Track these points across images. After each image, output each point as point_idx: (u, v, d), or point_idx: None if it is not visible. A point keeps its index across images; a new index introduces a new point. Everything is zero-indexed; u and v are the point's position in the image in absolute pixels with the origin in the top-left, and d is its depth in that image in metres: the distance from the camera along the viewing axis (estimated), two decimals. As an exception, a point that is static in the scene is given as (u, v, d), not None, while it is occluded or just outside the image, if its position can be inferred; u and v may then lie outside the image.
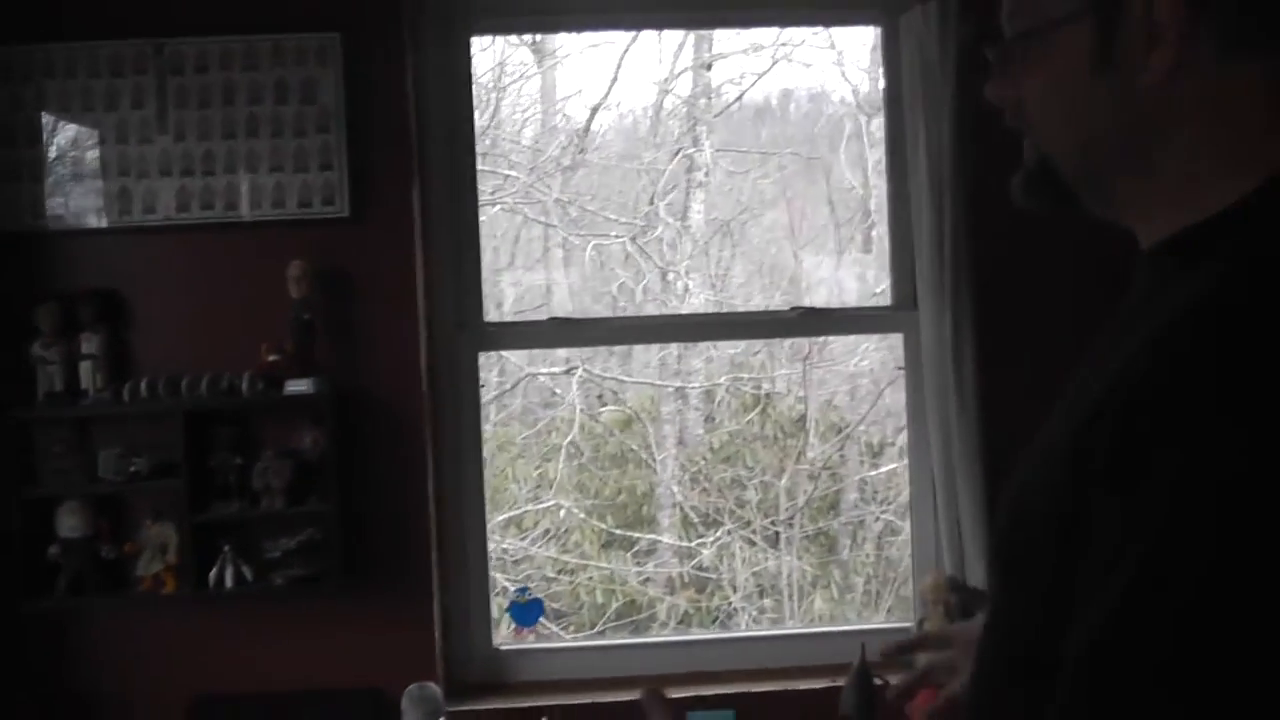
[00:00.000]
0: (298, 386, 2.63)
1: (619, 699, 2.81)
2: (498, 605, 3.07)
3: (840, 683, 2.70)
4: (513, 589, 3.10)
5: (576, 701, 2.82)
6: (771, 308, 4.97)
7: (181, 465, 2.63)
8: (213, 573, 2.67)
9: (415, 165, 2.75)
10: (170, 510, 2.68)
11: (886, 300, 3.02)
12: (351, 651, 2.79)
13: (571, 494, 5.23)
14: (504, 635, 3.10)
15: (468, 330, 2.85)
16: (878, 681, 2.64)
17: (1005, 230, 2.72)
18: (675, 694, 2.79)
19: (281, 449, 2.69)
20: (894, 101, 2.82)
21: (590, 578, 5.13)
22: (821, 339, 4.79)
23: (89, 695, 2.77)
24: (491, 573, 2.99)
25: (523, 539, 5.10)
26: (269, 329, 2.67)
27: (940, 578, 2.80)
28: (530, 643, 3.07)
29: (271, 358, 2.65)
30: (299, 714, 2.76)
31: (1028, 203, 1.15)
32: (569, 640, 3.66)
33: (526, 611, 2.99)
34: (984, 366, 2.72)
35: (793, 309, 2.96)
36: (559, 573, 5.11)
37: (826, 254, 5.32)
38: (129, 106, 2.69)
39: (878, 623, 3.41)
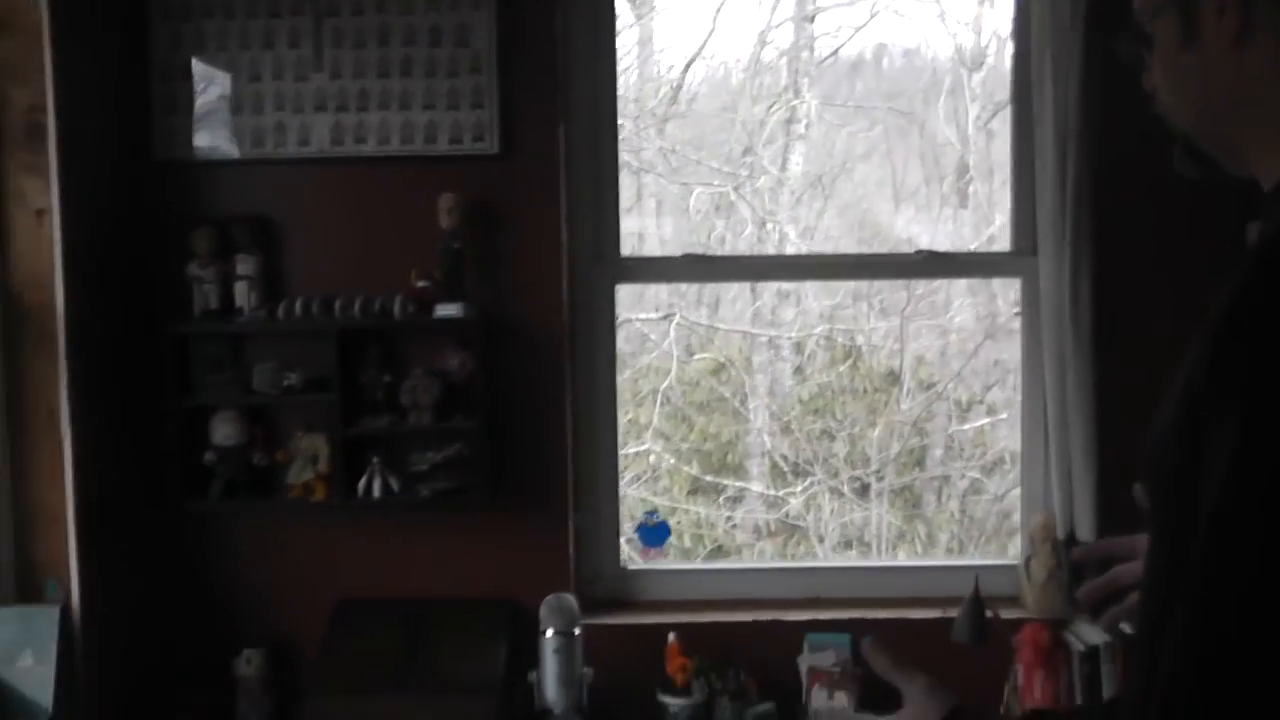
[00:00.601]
0: (447, 311, 2.85)
1: (739, 619, 3.05)
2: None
3: (952, 613, 2.92)
4: (642, 512, 3.32)
5: (700, 620, 3.04)
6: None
7: (333, 381, 2.84)
8: (361, 483, 2.89)
9: (561, 105, 2.95)
10: (321, 423, 2.89)
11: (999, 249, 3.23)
12: (489, 563, 3.02)
13: (662, 440, 5.44)
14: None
15: (605, 263, 3.07)
16: (989, 614, 2.86)
17: (1126, 181, 2.95)
18: (794, 617, 3.05)
19: (429, 368, 2.90)
20: (1022, 55, 3.01)
21: (678, 522, 5.35)
22: (920, 291, 4.99)
23: (239, 595, 3.01)
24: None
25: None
26: (418, 257, 2.88)
27: (1049, 519, 3.01)
28: (655, 563, 3.29)
29: (421, 283, 2.87)
30: (438, 621, 2.97)
31: (1187, 173, 1.39)
32: (693, 563, 3.88)
33: (654, 534, 3.23)
34: (1100, 310, 2.92)
35: (917, 251, 3.17)
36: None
37: (919, 208, 5.49)
38: (285, 46, 2.91)
39: (980, 557, 3.61)
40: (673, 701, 2.91)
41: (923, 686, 1.48)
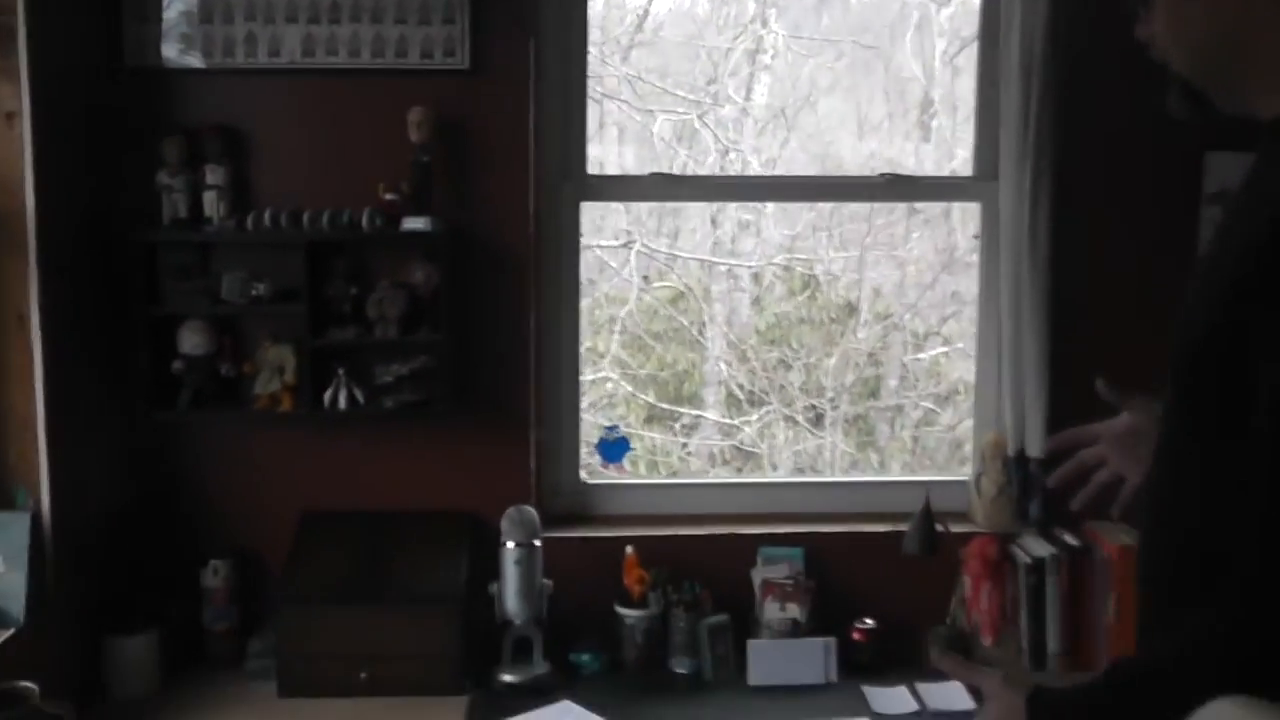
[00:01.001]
0: (414, 224, 2.89)
1: (696, 533, 3.16)
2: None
3: (903, 528, 3.05)
4: (603, 427, 3.41)
5: (657, 534, 3.14)
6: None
7: (302, 291, 2.89)
8: (327, 394, 2.94)
9: (532, 22, 3.00)
10: (288, 333, 2.94)
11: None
12: (452, 476, 3.09)
13: (619, 367, 5.52)
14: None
15: (572, 181, 3.14)
16: (939, 528, 2.99)
17: (1087, 112, 3.07)
18: (749, 531, 3.16)
19: (396, 281, 2.96)
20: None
21: (635, 449, 5.45)
22: (879, 223, 5.09)
23: (206, 506, 3.07)
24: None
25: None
26: (387, 170, 2.93)
27: (1000, 437, 3.14)
28: (613, 479, 3.37)
29: (389, 196, 2.91)
30: (401, 532, 3.04)
31: (1180, 114, 1.55)
32: (650, 478, 3.99)
33: (614, 448, 3.31)
34: (1057, 234, 3.04)
35: (881, 174, 3.27)
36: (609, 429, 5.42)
37: (882, 141, 5.57)
38: (258, -44, 2.94)
39: (930, 474, 3.74)
40: (630, 613, 3.01)
41: (999, 680, 1.63)
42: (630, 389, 5.56)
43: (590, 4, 3.10)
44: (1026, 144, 2.97)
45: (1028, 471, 3.09)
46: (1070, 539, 3.08)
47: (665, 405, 5.59)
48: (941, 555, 3.03)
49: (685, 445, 5.54)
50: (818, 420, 5.44)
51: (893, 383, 5.58)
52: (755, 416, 5.42)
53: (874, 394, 5.56)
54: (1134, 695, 1.46)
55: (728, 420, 5.48)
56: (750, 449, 5.37)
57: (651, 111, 5.30)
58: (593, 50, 4.86)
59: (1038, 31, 2.93)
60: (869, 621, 3.06)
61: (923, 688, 2.92)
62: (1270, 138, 1.45)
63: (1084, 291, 3.13)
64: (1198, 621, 1.39)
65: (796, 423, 5.39)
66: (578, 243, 3.19)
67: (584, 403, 4.65)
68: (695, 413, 5.56)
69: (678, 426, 5.48)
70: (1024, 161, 2.98)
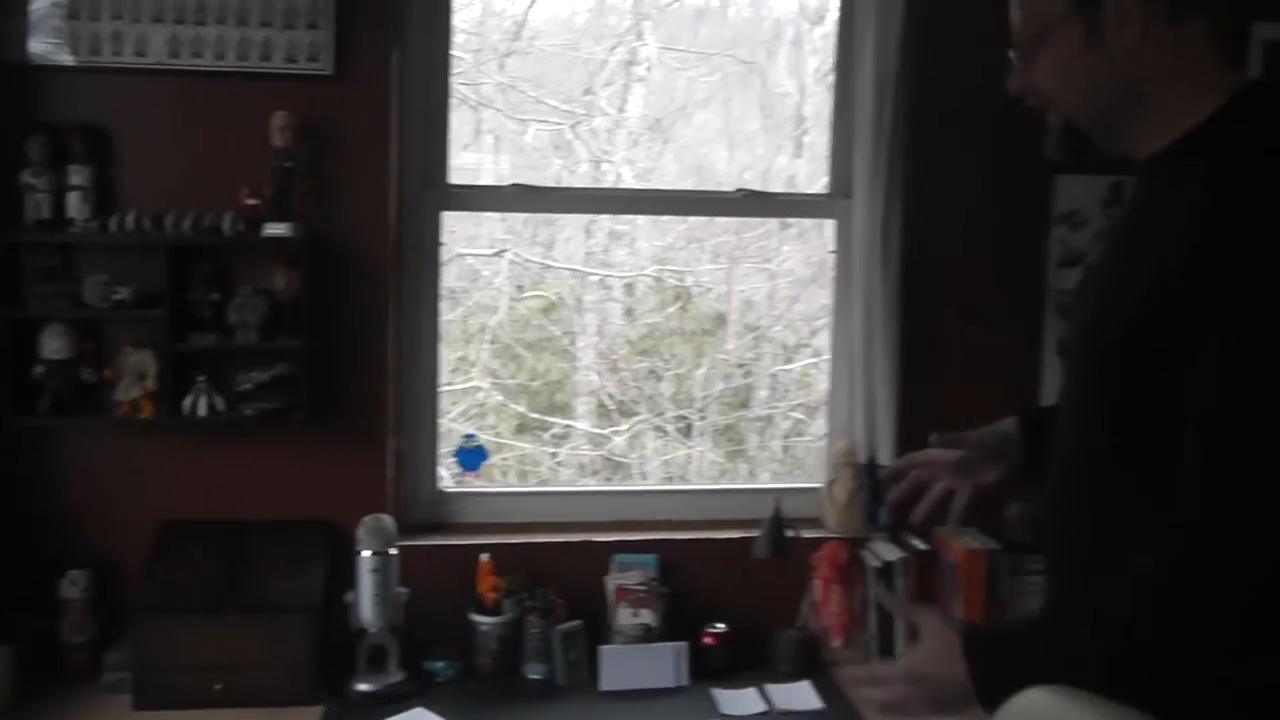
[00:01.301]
0: (276, 229, 2.93)
1: (552, 540, 3.23)
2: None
3: (755, 534, 3.15)
4: (462, 435, 3.45)
5: (513, 541, 3.20)
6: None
7: (163, 297, 2.89)
8: (187, 401, 2.96)
9: (395, 30, 3.03)
10: (149, 339, 2.94)
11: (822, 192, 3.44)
12: (311, 484, 3.12)
13: (490, 377, 5.56)
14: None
15: (434, 190, 3.18)
16: (789, 533, 3.10)
17: (939, 131, 3.21)
18: (604, 538, 3.23)
19: (257, 287, 2.98)
20: (848, 3, 3.24)
21: (505, 459, 5.49)
22: (746, 236, 5.19)
23: (65, 515, 3.06)
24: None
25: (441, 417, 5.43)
26: (250, 175, 2.95)
27: (851, 444, 3.26)
28: (472, 486, 3.41)
29: (251, 201, 2.94)
30: (260, 541, 3.06)
31: (1059, 156, 1.75)
32: (509, 486, 4.04)
33: (472, 457, 3.37)
34: (908, 249, 3.18)
35: (738, 190, 3.36)
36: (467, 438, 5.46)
37: (756, 156, 5.67)
38: (124, -45, 2.94)
39: (789, 482, 3.86)
40: (484, 620, 3.06)
41: (937, 618, 1.73)
42: (501, 398, 5.60)
43: (466, 10, 3.16)
44: (879, 163, 3.09)
45: (877, 478, 3.20)
46: (918, 543, 3.20)
47: (536, 415, 5.64)
48: (793, 560, 3.13)
49: (555, 455, 5.60)
50: (688, 430, 5.53)
51: (763, 393, 5.68)
52: (625, 427, 5.49)
53: (745, 404, 5.66)
54: (1069, 634, 1.56)
55: (598, 430, 5.54)
56: (620, 459, 5.44)
57: (525, 121, 5.36)
58: (468, 57, 4.92)
59: (890, 55, 3.06)
60: (720, 626, 3.15)
61: (772, 689, 3.01)
62: (1150, 171, 1.66)
63: (936, 306, 3.27)
64: (1136, 567, 1.51)
65: (666, 433, 5.47)
66: (438, 251, 3.23)
67: (454, 412, 4.69)
68: (566, 423, 5.61)
69: (547, 436, 5.53)
70: (876, 180, 3.10)
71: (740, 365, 5.63)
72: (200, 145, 3.02)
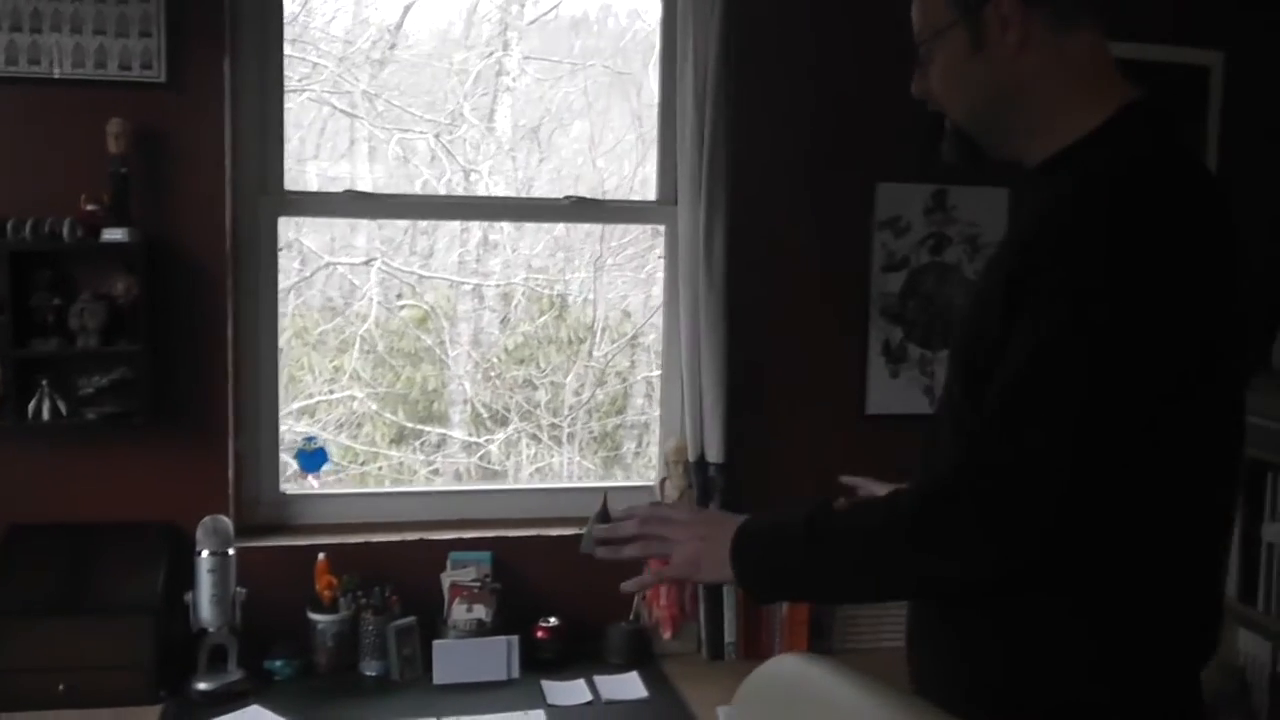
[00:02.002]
0: (114, 235, 3.02)
1: (389, 539, 3.35)
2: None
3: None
4: (301, 437, 3.57)
5: (351, 541, 3.32)
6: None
7: (4, 302, 2.96)
8: (31, 405, 3.04)
9: (227, 38, 3.16)
10: (-11, 346, 3.01)
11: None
12: (154, 487, 3.21)
13: (365, 387, 5.66)
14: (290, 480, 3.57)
15: (270, 195, 3.30)
16: (618, 527, 3.25)
17: (757, 138, 3.37)
18: (439, 537, 3.37)
19: (97, 292, 3.07)
20: (670, 17, 3.41)
21: (380, 468, 5.59)
22: (615, 246, 5.35)
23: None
24: (281, 424, 3.46)
25: (312, 433, 5.51)
26: (89, 181, 3.04)
27: (681, 443, 3.42)
28: (313, 489, 3.53)
29: (90, 207, 3.03)
30: (103, 544, 3.14)
31: (951, 160, 1.84)
32: (348, 488, 4.16)
33: (312, 459, 3.49)
34: (732, 255, 3.33)
35: (566, 197, 3.52)
36: (350, 462, 5.55)
37: (629, 165, 5.82)
38: (-44, -36, 3.02)
39: (620, 480, 4.02)
40: (320, 618, 3.18)
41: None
42: (376, 408, 5.70)
43: (335, 22, 3.26)
44: (701, 171, 3.25)
45: (707, 475, 3.37)
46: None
47: (413, 425, 5.74)
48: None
49: (431, 464, 5.70)
50: (565, 438, 5.66)
51: (639, 400, 5.83)
52: (501, 435, 5.61)
53: (620, 411, 5.80)
54: (831, 529, 1.67)
55: (473, 439, 5.66)
56: (495, 467, 5.56)
57: (391, 130, 5.47)
58: (332, 64, 5.03)
59: (710, 63, 3.22)
60: (553, 620, 3.30)
61: (600, 680, 3.17)
62: (1033, 181, 1.76)
63: (762, 308, 3.45)
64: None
65: (540, 440, 5.60)
66: (275, 256, 3.35)
67: (329, 424, 4.79)
68: (441, 431, 5.72)
69: (419, 444, 5.64)
70: (699, 187, 3.26)
71: (617, 374, 5.77)
72: (39, 152, 3.11)
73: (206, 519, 3.10)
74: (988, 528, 1.53)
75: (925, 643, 1.81)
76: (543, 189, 5.58)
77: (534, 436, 5.60)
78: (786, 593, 1.97)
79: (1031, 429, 1.50)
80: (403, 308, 5.81)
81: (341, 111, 5.55)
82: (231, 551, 3.09)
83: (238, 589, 3.10)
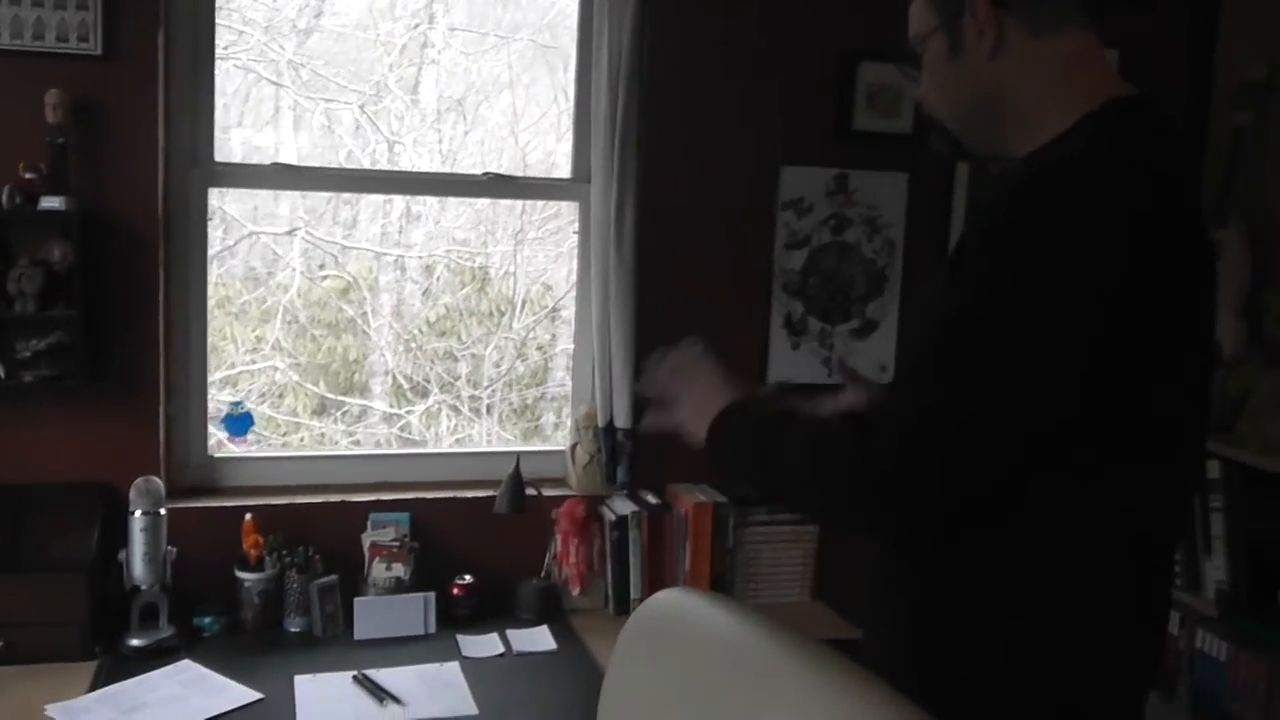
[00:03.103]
0: (51, 203, 3.23)
1: (311, 501, 3.63)
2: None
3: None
4: (227, 403, 3.82)
5: (276, 502, 3.59)
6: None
7: None
8: (-31, 369, 3.25)
9: (161, 12, 3.37)
10: (-72, 311, 3.21)
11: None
12: (88, 448, 3.43)
13: (287, 358, 5.87)
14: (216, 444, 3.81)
15: (200, 167, 3.55)
16: (530, 491, 3.56)
17: (668, 121, 3.68)
18: (360, 499, 3.64)
19: (34, 258, 3.27)
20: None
21: (302, 438, 5.81)
22: (537, 220, 5.60)
23: None
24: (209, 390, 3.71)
25: (238, 398, 5.70)
26: (27, 150, 3.24)
27: (591, 409, 3.73)
28: (240, 452, 3.79)
29: (28, 175, 3.23)
30: (38, 504, 3.34)
31: (942, 151, 2.00)
32: (273, 452, 4.40)
33: (239, 423, 3.75)
34: (642, 232, 3.65)
35: (485, 173, 3.81)
36: (272, 433, 5.76)
37: (554, 139, 6.06)
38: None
39: (534, 445, 4.34)
40: (247, 576, 3.44)
41: (717, 376, 2.12)
42: (297, 378, 5.90)
43: None
44: (613, 151, 3.56)
45: (615, 441, 3.70)
46: (652, 499, 3.71)
47: (334, 395, 5.95)
48: (537, 517, 3.62)
49: (352, 434, 5.93)
50: (484, 409, 5.90)
51: (560, 373, 6.09)
52: (421, 406, 5.85)
53: (540, 383, 6.06)
54: (790, 440, 1.81)
55: (394, 410, 5.89)
56: (415, 438, 5.80)
57: (317, 99, 5.67)
58: (258, 33, 5.24)
59: (624, 47, 3.52)
60: (468, 578, 3.61)
61: (512, 634, 3.48)
62: (1020, 172, 1.85)
63: (669, 283, 3.77)
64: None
65: (460, 412, 5.85)
66: (205, 225, 3.61)
67: (252, 394, 5.01)
68: (362, 402, 5.95)
69: (340, 415, 5.85)
70: (611, 166, 3.57)
71: (539, 348, 6.02)
72: (-22, 121, 3.31)
73: (139, 480, 3.32)
74: (876, 487, 1.68)
75: (871, 592, 1.98)
76: (467, 162, 5.80)
77: (454, 408, 5.83)
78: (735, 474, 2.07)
79: (932, 389, 1.66)
80: (325, 278, 6.01)
81: (267, 80, 5.74)
82: (163, 511, 3.32)
83: (169, 548, 3.33)
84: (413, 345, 5.91)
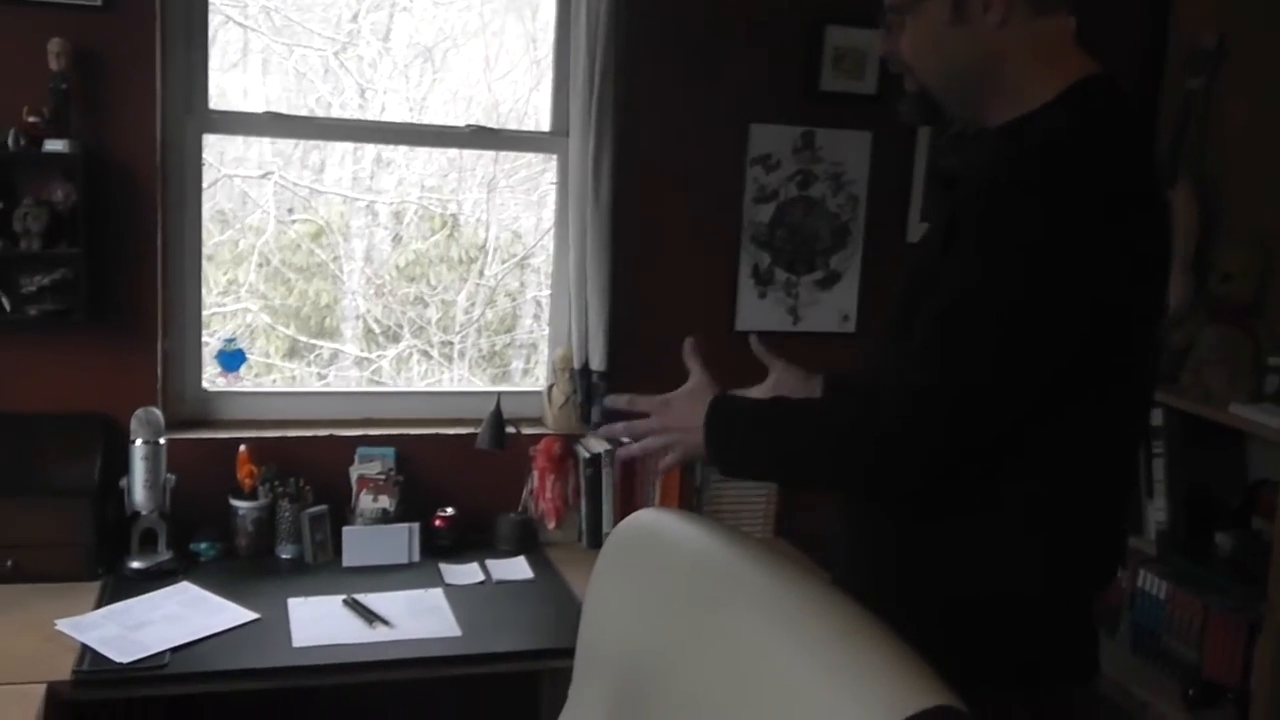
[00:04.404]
0: (55, 146, 3.50)
1: (302, 434, 3.93)
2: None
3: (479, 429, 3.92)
4: (221, 339, 4.10)
5: (269, 435, 3.89)
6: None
7: None
8: (-26, 302, 3.50)
9: None
10: (-66, 246, 3.46)
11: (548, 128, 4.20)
12: (90, 380, 3.72)
13: (259, 300, 6.11)
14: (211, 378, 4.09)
15: (195, 114, 3.84)
16: (510, 429, 3.88)
17: (644, 79, 4.00)
18: (348, 434, 3.94)
19: (39, 198, 3.54)
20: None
21: (274, 380, 6.06)
22: (508, 169, 5.86)
23: None
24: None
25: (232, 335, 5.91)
26: (31, 95, 3.49)
27: (568, 351, 4.06)
28: (234, 386, 4.08)
29: (32, 119, 3.49)
30: (42, 432, 3.62)
31: (912, 119, 2.12)
32: (266, 387, 4.67)
33: (232, 359, 4.05)
34: (617, 184, 3.96)
35: (467, 125, 4.11)
36: (244, 374, 5.99)
37: (523, 88, 6.29)
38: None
39: (513, 385, 4.77)
40: (241, 504, 3.75)
41: (707, 383, 2.15)
42: (270, 321, 6.14)
43: None
44: (591, 106, 3.86)
45: (590, 382, 4.03)
46: (625, 439, 3.99)
47: (306, 339, 6.20)
48: (515, 454, 3.95)
49: (324, 378, 6.18)
50: (456, 356, 6.16)
51: (528, 321, 6.36)
52: (393, 351, 6.10)
53: (509, 330, 6.32)
54: (794, 423, 1.94)
55: (365, 354, 6.14)
56: (384, 382, 6.06)
57: (289, 45, 5.88)
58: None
59: (603, 8, 3.80)
60: (450, 510, 3.95)
61: (491, 563, 3.82)
62: (997, 139, 1.98)
63: (643, 233, 4.11)
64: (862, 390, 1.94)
65: (431, 357, 6.11)
66: (201, 171, 3.91)
67: (227, 332, 5.27)
68: (334, 346, 6.19)
69: (312, 358, 6.10)
70: (589, 121, 3.88)
71: (508, 293, 6.28)
72: (-16, 67, 3.55)
73: (140, 410, 3.60)
74: (890, 446, 1.82)
75: (850, 525, 2.15)
76: (437, 109, 6.02)
77: (425, 353, 6.08)
78: (742, 468, 2.18)
79: (950, 360, 1.77)
80: (295, 222, 6.23)
81: (235, 23, 5.94)
82: (163, 441, 3.61)
83: (168, 476, 3.62)
84: (384, 290, 6.15)
